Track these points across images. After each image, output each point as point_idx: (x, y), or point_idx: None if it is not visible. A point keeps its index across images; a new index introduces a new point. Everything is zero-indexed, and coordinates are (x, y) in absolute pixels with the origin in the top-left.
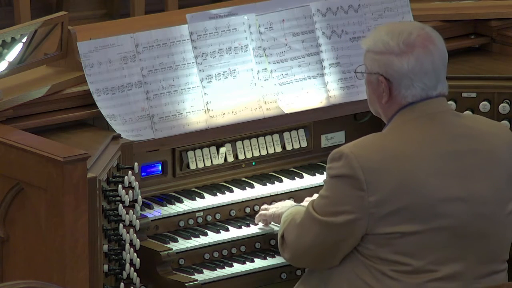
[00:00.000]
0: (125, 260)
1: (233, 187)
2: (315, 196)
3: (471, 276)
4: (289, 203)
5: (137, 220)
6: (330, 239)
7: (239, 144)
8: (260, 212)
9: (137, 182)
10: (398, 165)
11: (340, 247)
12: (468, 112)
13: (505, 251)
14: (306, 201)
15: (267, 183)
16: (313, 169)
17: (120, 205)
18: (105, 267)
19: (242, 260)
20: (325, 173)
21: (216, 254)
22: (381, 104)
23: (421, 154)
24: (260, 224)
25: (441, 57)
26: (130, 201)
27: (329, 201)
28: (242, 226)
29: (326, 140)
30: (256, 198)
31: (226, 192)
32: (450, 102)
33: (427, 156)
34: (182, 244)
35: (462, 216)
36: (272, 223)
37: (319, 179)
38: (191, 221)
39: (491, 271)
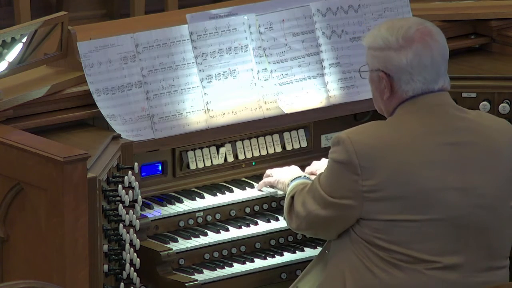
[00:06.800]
0: (125, 260)
1: (233, 187)
2: (317, 167)
3: (470, 269)
4: (295, 169)
5: (137, 220)
6: (324, 214)
7: (239, 144)
8: (264, 179)
9: (137, 182)
10: (394, 154)
11: (332, 224)
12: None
13: (506, 247)
14: (311, 175)
15: None
16: None
17: (120, 205)
18: (105, 267)
19: (242, 260)
20: None
21: (216, 254)
22: (383, 100)
23: (419, 144)
24: (264, 188)
25: (440, 52)
26: (130, 201)
27: (329, 182)
28: (242, 226)
29: (326, 140)
30: (256, 198)
31: (226, 192)
32: None
33: (424, 146)
34: (182, 244)
35: (459, 207)
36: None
37: None
38: (191, 221)
39: (491, 266)
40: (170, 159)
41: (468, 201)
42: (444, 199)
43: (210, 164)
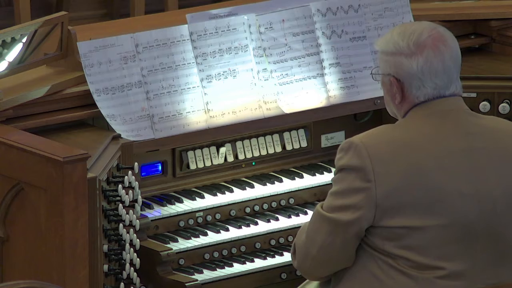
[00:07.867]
0: (125, 260)
1: (233, 187)
2: None
3: (480, 276)
4: None
5: (137, 220)
6: (340, 237)
7: (239, 144)
8: None
9: (137, 182)
10: (407, 158)
11: (350, 244)
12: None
13: None
14: None
15: (267, 183)
16: (313, 169)
17: (120, 205)
18: (105, 267)
19: (242, 260)
20: (325, 173)
21: (216, 254)
22: (395, 104)
23: (431, 148)
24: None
25: (452, 57)
26: (130, 201)
27: (337, 196)
28: (242, 226)
29: (326, 140)
30: (256, 198)
31: (226, 192)
32: None
33: (437, 151)
34: (182, 244)
35: (470, 213)
36: None
37: (319, 179)
38: (191, 221)
39: (502, 272)
40: (170, 159)
41: (479, 206)
42: (454, 204)
43: (210, 164)
